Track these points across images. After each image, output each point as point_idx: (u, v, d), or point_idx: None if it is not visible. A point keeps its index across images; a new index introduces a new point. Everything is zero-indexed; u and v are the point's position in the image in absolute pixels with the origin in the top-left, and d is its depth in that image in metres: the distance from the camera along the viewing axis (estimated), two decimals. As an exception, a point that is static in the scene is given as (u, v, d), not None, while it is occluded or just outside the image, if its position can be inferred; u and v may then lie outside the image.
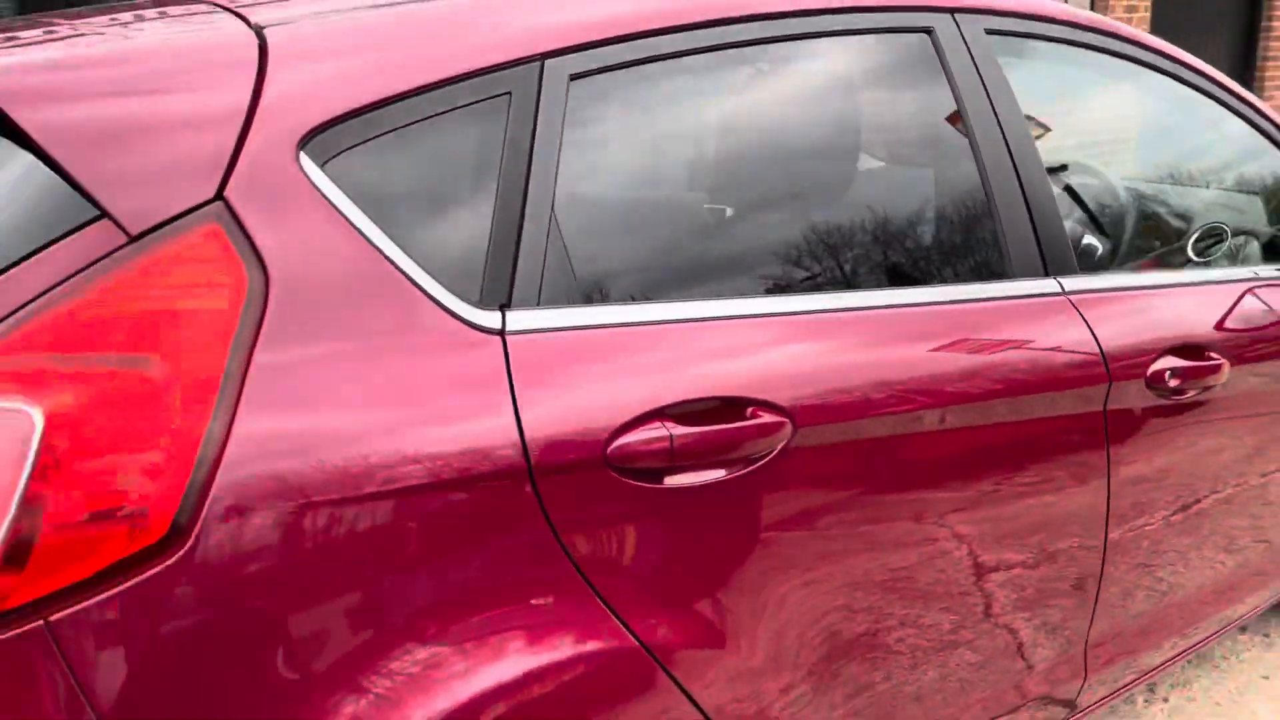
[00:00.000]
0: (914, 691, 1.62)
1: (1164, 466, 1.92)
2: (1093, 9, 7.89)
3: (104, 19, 1.33)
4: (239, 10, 1.30)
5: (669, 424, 1.28)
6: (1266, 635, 2.85)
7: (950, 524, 1.57)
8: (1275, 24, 9.59)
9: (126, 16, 1.34)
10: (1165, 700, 2.57)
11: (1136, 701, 2.56)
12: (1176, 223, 2.27)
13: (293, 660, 1.07)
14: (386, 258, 1.17)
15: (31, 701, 0.98)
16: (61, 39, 1.26)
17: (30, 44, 1.23)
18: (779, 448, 1.36)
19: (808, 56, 1.60)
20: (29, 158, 1.08)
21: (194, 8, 1.35)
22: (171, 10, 1.36)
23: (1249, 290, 2.11)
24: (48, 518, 0.97)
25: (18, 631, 0.97)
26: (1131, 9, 7.93)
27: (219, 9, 1.33)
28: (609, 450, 1.23)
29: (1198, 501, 2.03)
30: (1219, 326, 2.00)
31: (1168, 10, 8.04)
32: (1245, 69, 9.02)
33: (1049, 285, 1.76)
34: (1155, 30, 7.57)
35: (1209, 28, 8.64)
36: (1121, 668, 2.04)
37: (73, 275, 1.03)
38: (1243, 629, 2.87)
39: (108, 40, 1.22)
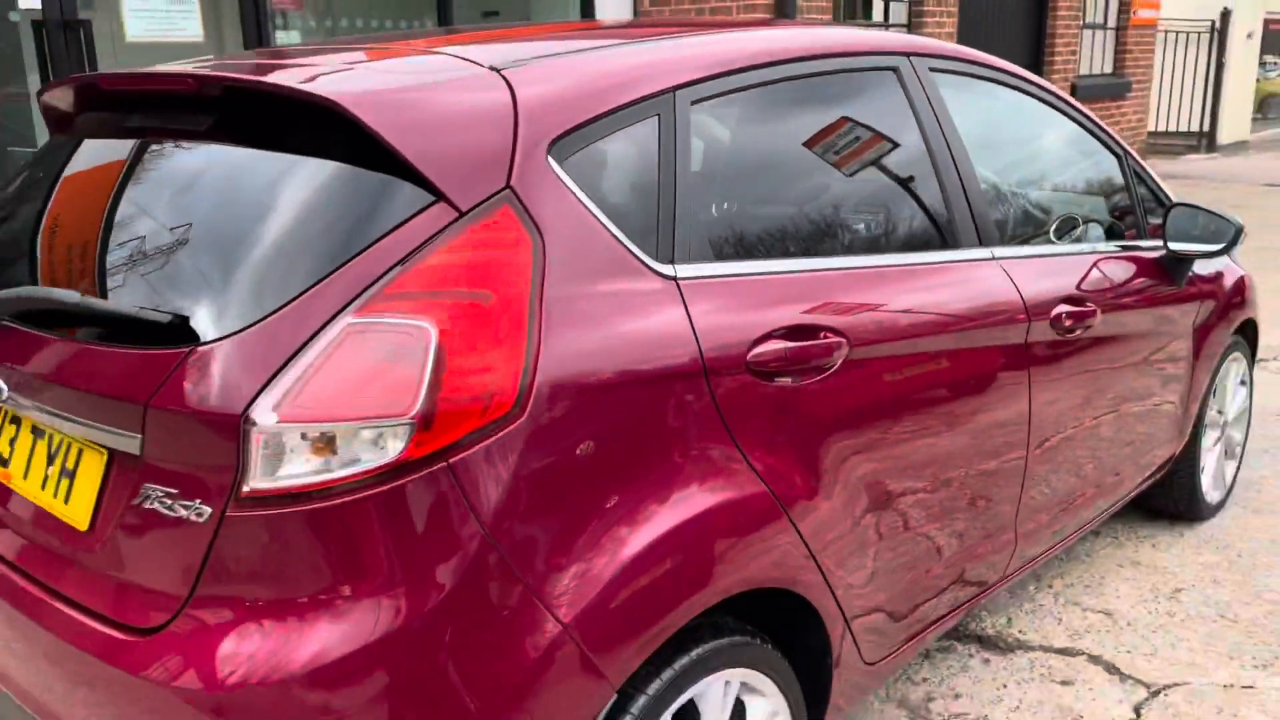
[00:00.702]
0: (934, 527, 2.25)
1: (1062, 386, 2.61)
2: (910, 17, 9.08)
3: (374, 60, 1.81)
4: (465, 56, 1.79)
5: (778, 341, 1.84)
6: (1115, 537, 3.63)
7: (941, 410, 2.20)
8: (1056, 48, 11.02)
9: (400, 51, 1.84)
10: (1050, 587, 3.29)
11: (1029, 588, 3.27)
12: (1042, 213, 2.99)
13: (578, 485, 1.57)
14: (604, 226, 1.69)
15: (442, 512, 1.45)
16: (383, 71, 1.74)
17: (359, 73, 1.70)
18: (841, 359, 1.95)
19: (835, 83, 2.22)
20: (329, 168, 1.56)
21: (445, 50, 1.84)
22: (416, 49, 1.86)
23: (1097, 261, 2.84)
24: (441, 396, 1.45)
25: (430, 470, 1.44)
26: (940, 24, 9.09)
27: (444, 54, 1.82)
28: (749, 357, 1.79)
29: (1082, 414, 2.73)
30: (1086, 286, 2.71)
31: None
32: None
33: (984, 253, 2.42)
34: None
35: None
36: (1032, 544, 2.71)
37: (432, 237, 1.51)
38: (1095, 532, 3.64)
39: (410, 75, 1.70)
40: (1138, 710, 2.65)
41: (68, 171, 1.96)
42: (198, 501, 1.47)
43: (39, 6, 5.75)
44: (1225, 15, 16.49)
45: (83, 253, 1.76)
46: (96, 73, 1.97)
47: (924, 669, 2.83)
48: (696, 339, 1.73)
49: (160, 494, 1.51)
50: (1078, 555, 3.48)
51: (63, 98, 2.08)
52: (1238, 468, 3.93)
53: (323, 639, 1.43)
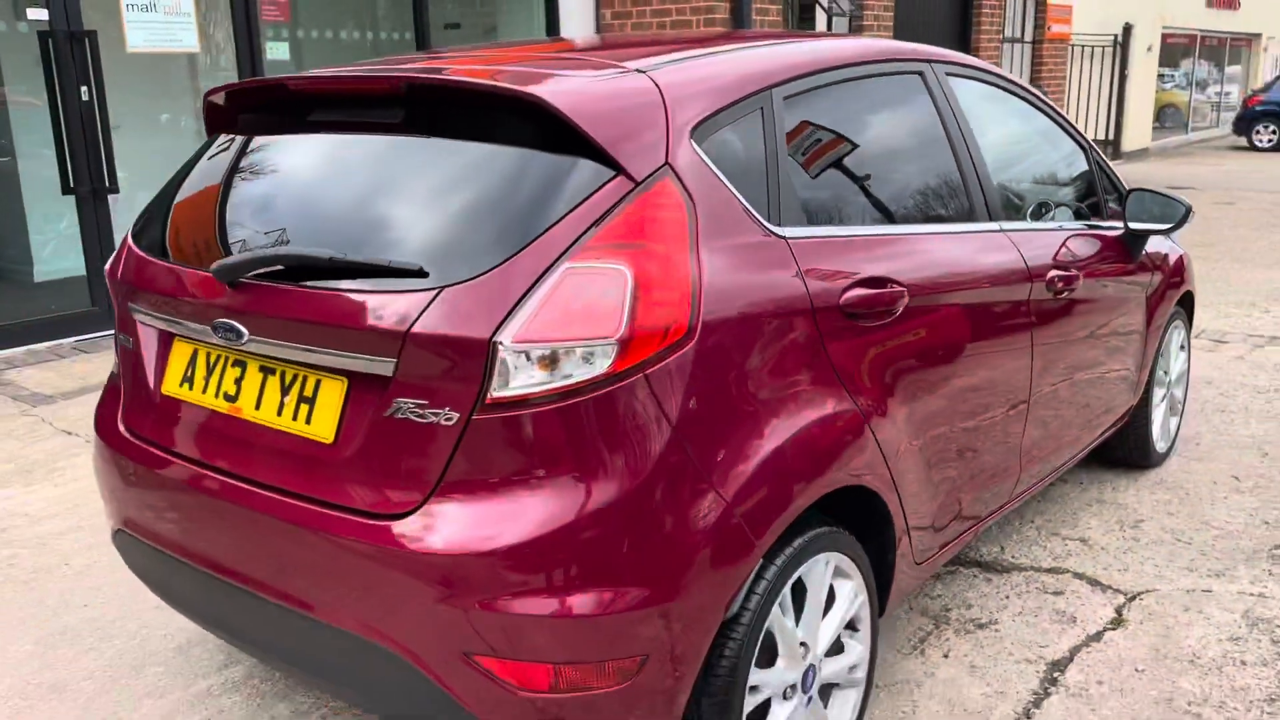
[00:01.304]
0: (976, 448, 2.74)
1: (1054, 338, 3.12)
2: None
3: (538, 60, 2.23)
4: (611, 62, 2.22)
5: (860, 289, 2.30)
6: (1081, 483, 4.17)
7: (971, 352, 2.69)
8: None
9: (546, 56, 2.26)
10: (1032, 522, 3.80)
11: (1015, 523, 3.78)
12: (1029, 194, 3.50)
13: (731, 395, 1.99)
14: (734, 194, 2.13)
15: (637, 413, 1.86)
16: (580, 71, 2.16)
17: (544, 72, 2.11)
18: (902, 306, 2.41)
19: (882, 82, 2.70)
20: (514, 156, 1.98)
21: (586, 58, 2.26)
22: (569, 58, 2.28)
23: (1074, 236, 3.36)
24: (636, 324, 1.87)
25: (629, 380, 1.86)
26: (878, 17, 9.73)
27: (595, 61, 2.25)
28: (841, 301, 2.24)
29: (1068, 365, 3.25)
30: (1067, 257, 3.22)
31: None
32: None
33: (995, 226, 2.91)
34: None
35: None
36: (1030, 474, 3.21)
37: (617, 202, 1.94)
38: (1064, 479, 4.18)
39: (581, 73, 2.13)
40: (1119, 611, 3.16)
41: (271, 157, 2.34)
42: (446, 409, 1.87)
43: (46, 17, 6.00)
44: (1127, 30, 17.54)
45: (319, 220, 2.13)
46: (294, 76, 2.35)
47: (938, 588, 3.31)
48: (805, 285, 2.18)
49: (411, 405, 1.90)
50: (1052, 498, 4.01)
51: (236, 98, 2.45)
52: (1179, 422, 4.51)
53: (550, 511, 1.84)
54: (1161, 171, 15.85)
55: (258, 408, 2.13)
